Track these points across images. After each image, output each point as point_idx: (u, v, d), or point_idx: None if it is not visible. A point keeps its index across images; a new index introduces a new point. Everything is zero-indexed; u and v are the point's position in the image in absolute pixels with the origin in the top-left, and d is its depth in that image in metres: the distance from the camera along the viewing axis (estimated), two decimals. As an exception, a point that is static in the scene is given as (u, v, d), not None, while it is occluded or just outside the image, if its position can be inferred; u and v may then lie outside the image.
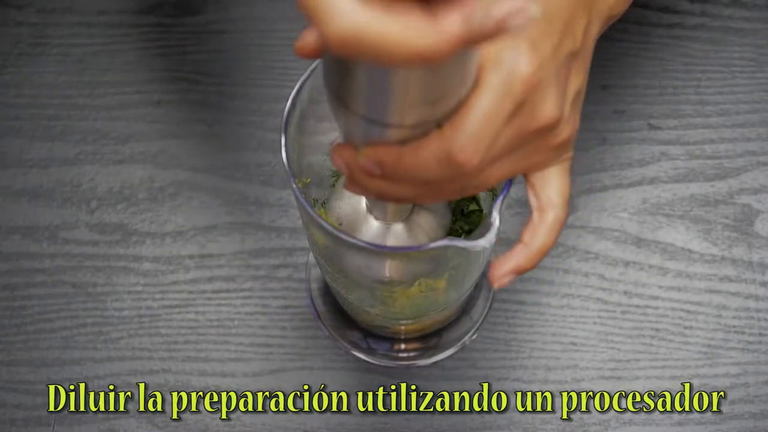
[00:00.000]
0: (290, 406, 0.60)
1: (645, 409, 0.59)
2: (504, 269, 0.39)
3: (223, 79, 0.66)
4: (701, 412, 0.59)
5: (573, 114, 0.37)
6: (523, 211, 0.64)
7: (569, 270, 0.62)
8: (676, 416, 0.59)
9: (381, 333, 0.60)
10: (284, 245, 0.63)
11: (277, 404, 0.60)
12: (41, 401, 0.60)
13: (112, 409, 0.60)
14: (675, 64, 0.66)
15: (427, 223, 0.45)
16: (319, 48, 0.31)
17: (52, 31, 0.68)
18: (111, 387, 0.60)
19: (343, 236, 0.37)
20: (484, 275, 0.62)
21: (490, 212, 0.37)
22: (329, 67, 0.30)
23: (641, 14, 0.67)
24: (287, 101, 0.39)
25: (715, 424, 0.59)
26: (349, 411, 0.59)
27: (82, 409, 0.60)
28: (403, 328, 0.56)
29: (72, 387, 0.60)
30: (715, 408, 0.59)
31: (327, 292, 0.62)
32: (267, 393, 0.60)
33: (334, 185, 0.48)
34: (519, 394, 0.59)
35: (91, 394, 0.60)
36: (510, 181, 0.38)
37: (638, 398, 0.59)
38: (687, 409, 0.59)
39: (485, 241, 0.36)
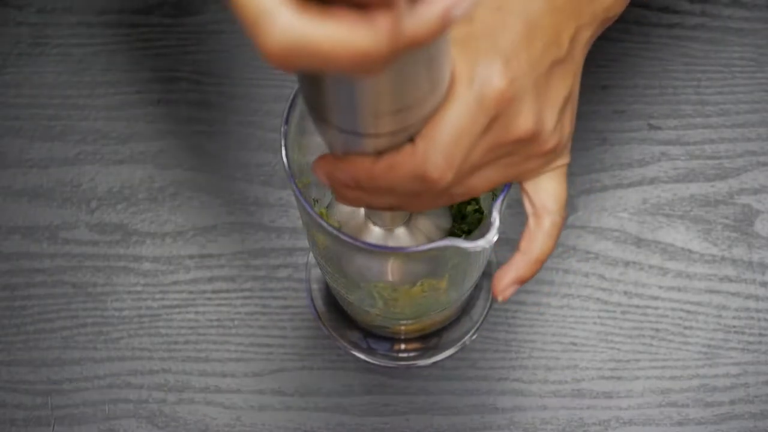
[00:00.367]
0: (290, 406, 0.60)
1: (645, 409, 0.59)
2: (506, 281, 0.39)
3: (223, 79, 0.66)
4: (701, 412, 0.59)
5: (562, 121, 0.36)
6: (523, 211, 0.64)
7: (569, 270, 0.62)
8: (676, 416, 0.59)
9: (381, 333, 0.60)
10: (284, 245, 0.63)
11: (277, 404, 0.60)
12: (41, 401, 0.60)
13: (112, 409, 0.60)
14: (675, 64, 0.66)
15: (426, 226, 0.45)
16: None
17: (52, 31, 0.68)
18: (111, 387, 0.60)
19: (343, 237, 0.37)
20: (485, 275, 0.62)
21: (490, 212, 0.37)
22: (302, 81, 0.30)
23: (641, 14, 0.67)
24: (287, 101, 0.39)
25: (715, 424, 0.59)
26: (349, 411, 0.59)
27: (82, 409, 0.60)
28: (403, 328, 0.56)
29: (72, 387, 0.60)
30: (715, 408, 0.59)
31: (327, 292, 0.62)
32: (267, 393, 0.60)
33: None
34: (519, 394, 0.59)
35: (92, 395, 0.60)
36: (510, 183, 0.38)
37: (638, 398, 0.59)
38: (687, 409, 0.59)
39: (485, 241, 0.36)
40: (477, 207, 0.50)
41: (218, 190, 0.64)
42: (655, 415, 0.59)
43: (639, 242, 0.62)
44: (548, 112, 0.35)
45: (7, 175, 0.65)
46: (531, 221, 0.39)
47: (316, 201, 0.47)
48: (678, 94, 0.66)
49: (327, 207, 0.48)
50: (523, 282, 0.39)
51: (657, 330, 0.61)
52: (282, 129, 0.38)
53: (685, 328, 0.61)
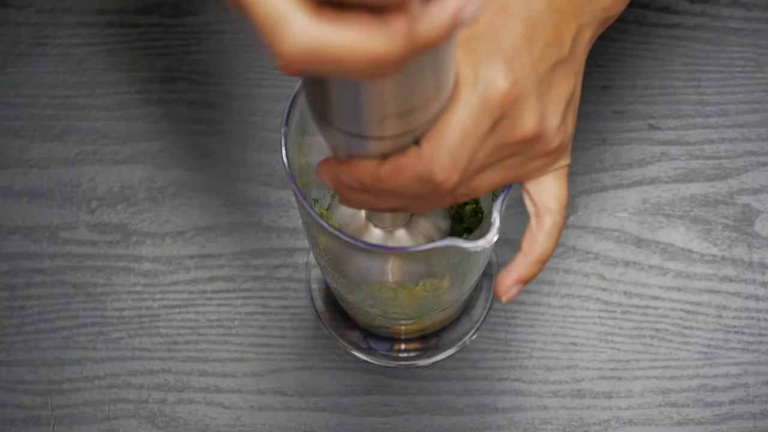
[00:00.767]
0: (290, 406, 0.60)
1: (645, 409, 0.59)
2: (508, 282, 0.39)
3: (223, 79, 0.66)
4: (701, 412, 0.59)
5: (564, 122, 0.37)
6: (523, 211, 0.64)
7: (569, 270, 0.62)
8: (676, 416, 0.59)
9: (381, 333, 0.60)
10: (284, 245, 0.63)
11: (277, 404, 0.60)
12: (41, 401, 0.60)
13: (112, 409, 0.60)
14: (675, 64, 0.66)
15: (426, 227, 0.45)
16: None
17: (52, 31, 0.68)
18: (111, 387, 0.60)
19: (343, 237, 0.37)
20: (485, 275, 0.62)
21: (491, 212, 0.37)
22: (306, 83, 0.30)
23: (641, 14, 0.67)
24: (287, 101, 0.39)
25: (715, 424, 0.59)
26: (349, 411, 0.59)
27: (82, 409, 0.60)
28: (403, 328, 0.56)
29: (72, 387, 0.60)
30: (715, 408, 0.59)
31: (327, 292, 0.62)
32: (267, 393, 0.60)
33: (335, 195, 0.48)
34: (519, 394, 0.59)
35: (92, 395, 0.60)
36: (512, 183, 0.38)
37: (638, 398, 0.59)
38: (687, 409, 0.59)
39: (485, 241, 0.36)
40: (477, 207, 0.50)
41: (218, 190, 0.64)
42: (655, 415, 0.59)
43: (639, 242, 0.62)
44: (551, 112, 0.36)
45: (7, 175, 0.65)
46: (532, 221, 0.39)
47: (316, 201, 0.47)
48: (678, 94, 0.66)
49: (327, 208, 0.48)
50: (525, 282, 0.39)
51: (657, 330, 0.61)
52: (282, 129, 0.38)
53: (685, 328, 0.61)
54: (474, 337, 0.61)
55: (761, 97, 0.65)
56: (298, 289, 0.62)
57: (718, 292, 0.61)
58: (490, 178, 0.36)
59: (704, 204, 0.63)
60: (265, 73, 0.67)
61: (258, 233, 0.63)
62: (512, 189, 0.63)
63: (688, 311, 0.61)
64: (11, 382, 0.60)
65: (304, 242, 0.63)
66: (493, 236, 0.36)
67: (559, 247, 0.62)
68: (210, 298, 0.62)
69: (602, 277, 0.62)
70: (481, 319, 0.61)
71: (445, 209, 0.48)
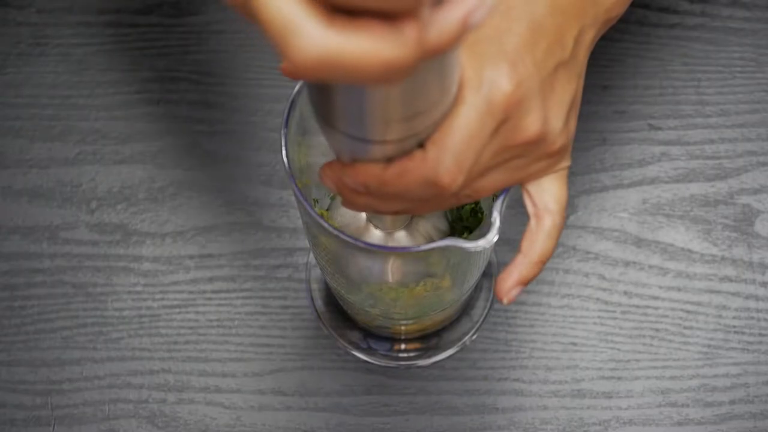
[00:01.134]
0: (290, 406, 0.60)
1: (645, 409, 0.59)
2: (509, 283, 0.39)
3: (223, 79, 0.66)
4: (701, 412, 0.59)
5: (567, 123, 0.37)
6: (523, 211, 0.64)
7: (569, 270, 0.62)
8: (676, 416, 0.59)
9: (381, 333, 0.60)
10: (284, 245, 0.63)
11: (277, 404, 0.60)
12: (41, 401, 0.60)
13: (112, 409, 0.60)
14: (675, 64, 0.66)
15: (426, 228, 0.45)
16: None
17: (52, 31, 0.68)
18: (111, 387, 0.60)
19: (343, 237, 0.37)
20: (485, 275, 0.62)
21: (491, 212, 0.37)
22: (310, 87, 0.30)
23: (641, 14, 0.67)
24: (287, 101, 0.39)
25: (715, 424, 0.59)
26: (349, 411, 0.59)
27: (82, 409, 0.60)
28: (403, 328, 0.56)
29: (72, 387, 0.60)
30: (715, 408, 0.59)
31: (327, 292, 0.62)
32: (267, 393, 0.60)
33: (334, 197, 0.48)
34: (519, 394, 0.59)
35: (92, 395, 0.60)
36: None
37: (638, 398, 0.59)
38: (687, 409, 0.59)
39: (485, 242, 0.36)
40: (477, 207, 0.50)
41: (218, 190, 0.64)
42: (655, 415, 0.59)
43: (639, 242, 0.62)
44: (555, 114, 0.36)
45: (7, 175, 0.65)
46: (532, 222, 0.39)
47: (316, 201, 0.47)
48: (678, 94, 0.66)
49: (327, 209, 0.48)
50: (526, 283, 0.39)
51: (657, 330, 0.61)
52: (282, 129, 0.38)
53: (685, 328, 0.61)
54: (474, 337, 0.61)
55: (761, 97, 0.65)
56: (298, 289, 0.62)
57: (718, 292, 0.61)
58: (494, 180, 0.36)
59: (704, 204, 0.63)
60: (265, 73, 0.67)
61: (258, 233, 0.63)
62: (512, 189, 0.63)
63: (688, 311, 0.61)
64: (11, 382, 0.60)
65: (304, 242, 0.63)
66: (493, 236, 0.36)
67: (559, 247, 0.62)
68: (210, 298, 0.62)
69: (602, 277, 0.62)
70: (481, 319, 0.61)
71: (445, 210, 0.48)
